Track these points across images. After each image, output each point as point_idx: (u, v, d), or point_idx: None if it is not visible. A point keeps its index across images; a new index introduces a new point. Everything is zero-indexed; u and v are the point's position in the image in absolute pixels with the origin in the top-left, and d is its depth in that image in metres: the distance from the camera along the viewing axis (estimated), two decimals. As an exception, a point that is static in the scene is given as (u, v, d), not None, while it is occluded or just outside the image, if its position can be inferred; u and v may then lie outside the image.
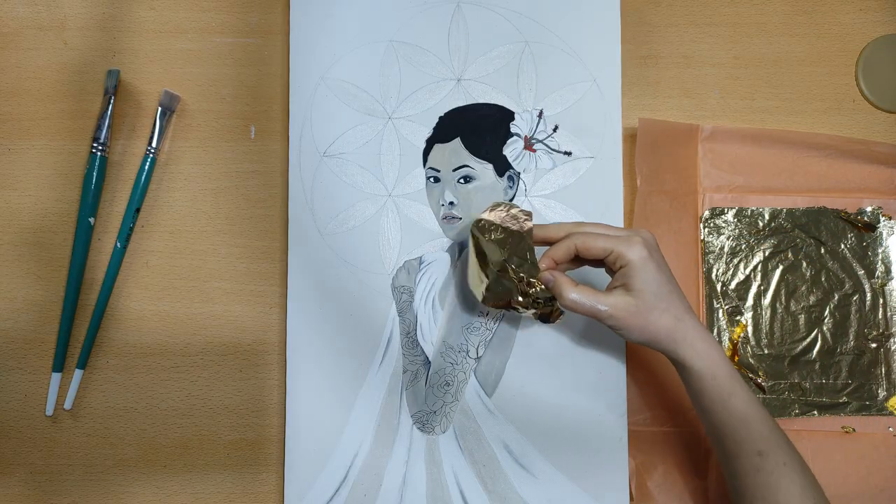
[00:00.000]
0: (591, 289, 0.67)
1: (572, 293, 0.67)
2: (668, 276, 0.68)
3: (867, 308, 0.80)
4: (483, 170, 0.80)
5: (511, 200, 0.80)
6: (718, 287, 0.80)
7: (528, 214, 0.73)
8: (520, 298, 0.70)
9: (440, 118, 0.80)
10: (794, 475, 0.65)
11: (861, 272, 0.80)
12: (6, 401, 0.78)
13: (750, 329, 0.80)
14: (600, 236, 0.68)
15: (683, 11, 0.82)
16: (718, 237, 0.80)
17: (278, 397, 0.78)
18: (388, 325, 0.78)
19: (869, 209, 0.80)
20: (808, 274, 0.80)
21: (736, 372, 0.67)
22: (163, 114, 0.79)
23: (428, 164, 0.80)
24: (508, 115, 0.80)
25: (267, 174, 0.80)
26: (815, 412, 0.79)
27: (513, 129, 0.80)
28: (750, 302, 0.80)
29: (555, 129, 0.80)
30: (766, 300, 0.80)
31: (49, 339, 0.78)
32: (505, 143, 0.80)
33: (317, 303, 0.78)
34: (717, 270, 0.80)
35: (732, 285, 0.80)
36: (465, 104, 0.80)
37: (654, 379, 0.78)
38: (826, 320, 0.80)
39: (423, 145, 0.80)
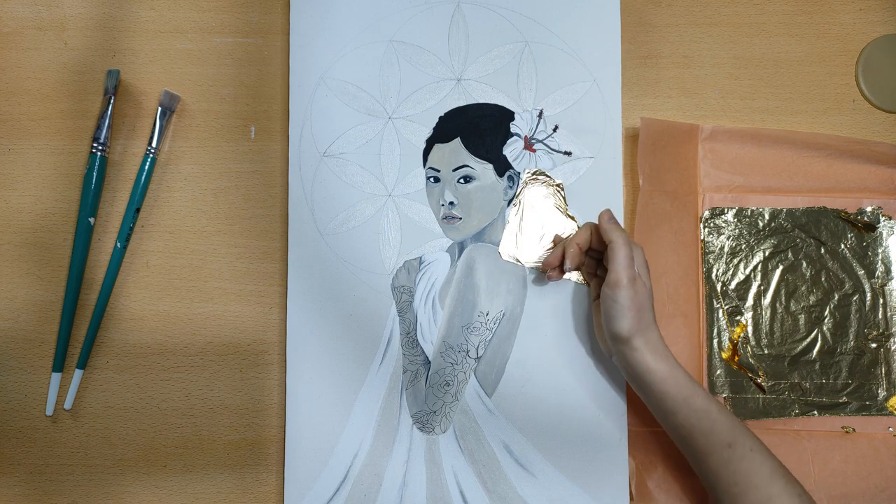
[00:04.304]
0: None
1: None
2: (649, 289, 0.72)
3: (867, 308, 0.80)
4: (483, 170, 0.80)
5: (511, 200, 0.80)
6: (718, 287, 0.80)
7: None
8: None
9: (440, 118, 0.80)
10: (762, 459, 0.69)
11: (861, 272, 0.80)
12: (6, 401, 0.78)
13: (750, 329, 0.80)
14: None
15: (683, 11, 0.82)
16: (718, 237, 0.80)
17: (278, 397, 0.78)
18: (388, 325, 0.78)
19: (869, 209, 0.80)
20: (808, 274, 0.80)
21: (689, 374, 0.71)
22: (163, 114, 0.79)
23: (428, 164, 0.80)
24: (508, 115, 0.80)
25: (267, 174, 0.80)
26: (815, 412, 0.79)
27: (513, 129, 0.80)
28: (750, 302, 0.80)
29: (555, 129, 0.80)
30: (766, 300, 0.80)
31: (49, 339, 0.78)
32: (505, 143, 0.80)
33: (317, 303, 0.78)
34: (717, 270, 0.80)
35: (732, 285, 0.80)
36: (465, 104, 0.80)
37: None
38: (826, 320, 0.80)
39: (423, 145, 0.80)
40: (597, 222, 0.74)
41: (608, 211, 0.74)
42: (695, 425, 0.69)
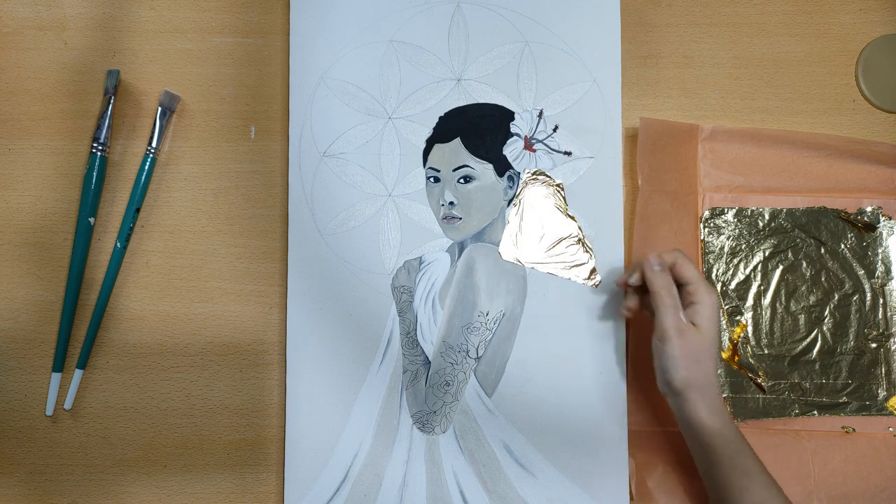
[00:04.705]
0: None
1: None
2: (716, 339, 0.70)
3: (867, 308, 0.80)
4: (483, 170, 0.80)
5: (511, 200, 0.80)
6: (718, 287, 0.80)
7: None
8: None
9: (440, 118, 0.80)
10: None
11: (861, 272, 0.80)
12: (6, 401, 0.78)
13: (750, 329, 0.80)
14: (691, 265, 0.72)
15: (683, 11, 0.82)
16: (718, 237, 0.80)
17: (278, 397, 0.78)
18: (388, 325, 0.78)
19: (869, 209, 0.80)
20: (808, 274, 0.80)
21: (739, 431, 0.70)
22: (163, 114, 0.79)
23: (428, 164, 0.80)
24: (508, 115, 0.80)
25: (267, 174, 0.80)
26: (815, 412, 0.79)
27: (513, 129, 0.80)
28: (750, 302, 0.80)
29: (555, 129, 0.80)
30: (766, 300, 0.80)
31: (49, 339, 0.78)
32: (505, 143, 0.80)
33: (317, 303, 0.78)
34: (717, 270, 0.80)
35: (732, 285, 0.80)
36: (465, 104, 0.80)
37: (654, 379, 0.77)
38: (826, 320, 0.80)
39: (423, 145, 0.80)
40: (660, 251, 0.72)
41: (654, 256, 0.71)
42: (734, 482, 0.68)
